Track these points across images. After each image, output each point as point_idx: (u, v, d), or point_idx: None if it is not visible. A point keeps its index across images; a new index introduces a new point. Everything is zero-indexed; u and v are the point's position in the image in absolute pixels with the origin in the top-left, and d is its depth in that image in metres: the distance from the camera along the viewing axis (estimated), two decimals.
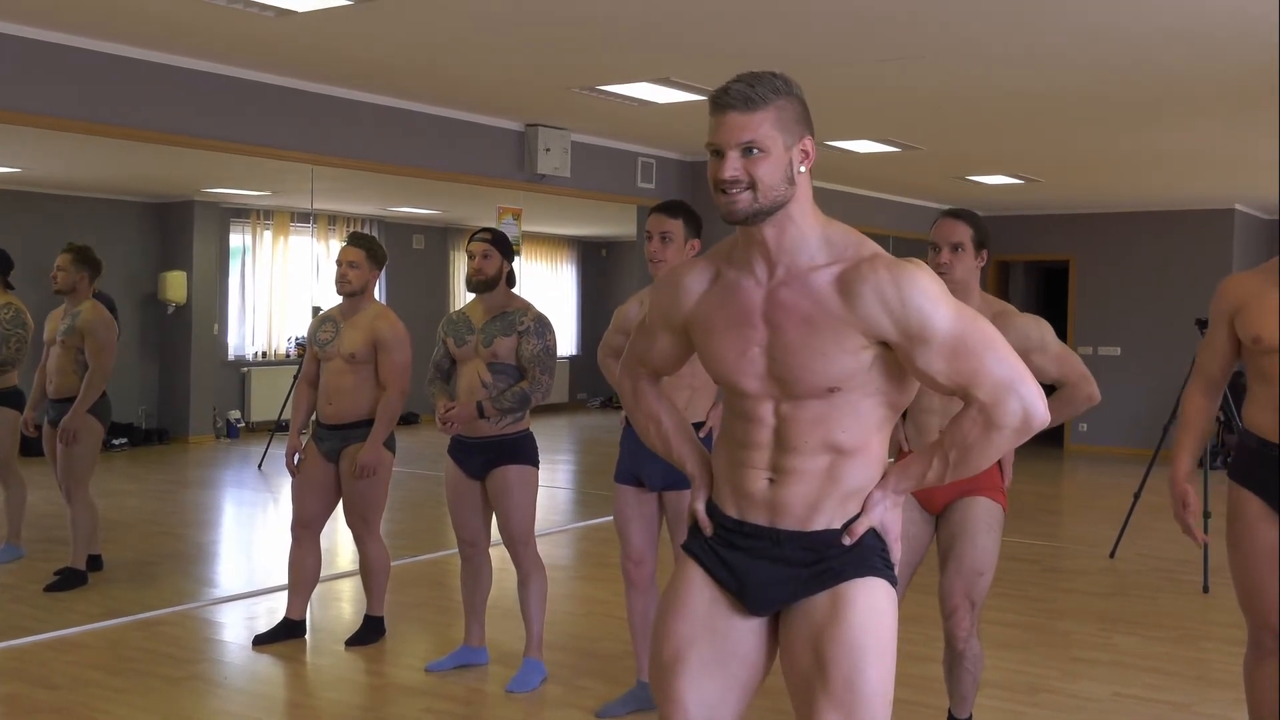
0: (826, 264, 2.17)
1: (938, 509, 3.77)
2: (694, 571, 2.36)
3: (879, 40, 5.19)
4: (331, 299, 5.19)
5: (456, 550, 7.00)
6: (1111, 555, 7.31)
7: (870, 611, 2.23)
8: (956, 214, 3.68)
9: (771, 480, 2.27)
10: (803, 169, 2.16)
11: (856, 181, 10.41)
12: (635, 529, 4.19)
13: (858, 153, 8.48)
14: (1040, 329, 3.66)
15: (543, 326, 4.55)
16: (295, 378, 5.85)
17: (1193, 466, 3.45)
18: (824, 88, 6.20)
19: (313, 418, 5.18)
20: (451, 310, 4.75)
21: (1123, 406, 12.43)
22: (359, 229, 14.14)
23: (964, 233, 3.62)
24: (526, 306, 4.62)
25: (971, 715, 3.93)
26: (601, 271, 18.09)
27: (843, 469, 2.23)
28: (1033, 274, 14.88)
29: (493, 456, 4.60)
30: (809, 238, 2.19)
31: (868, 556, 2.26)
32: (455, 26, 5.12)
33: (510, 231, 8.29)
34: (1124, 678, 4.89)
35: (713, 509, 2.39)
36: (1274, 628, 3.31)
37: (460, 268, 15.64)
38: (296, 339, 12.71)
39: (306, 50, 5.59)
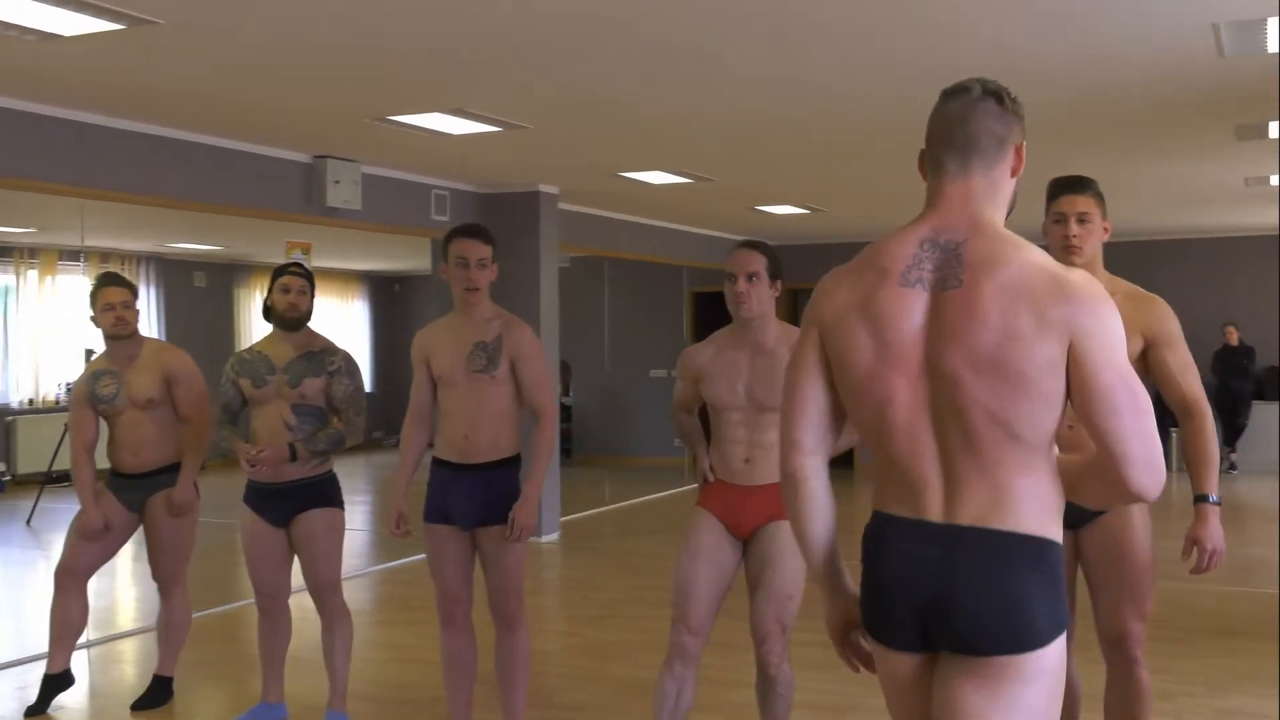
0: None
1: (745, 535, 3.79)
2: None
3: (672, 73, 5.24)
4: (104, 342, 4.83)
5: (246, 601, 6.71)
6: None
7: None
8: (752, 245, 3.72)
9: None
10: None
11: (650, 212, 10.52)
12: (451, 569, 4.06)
13: (652, 184, 8.57)
14: None
15: (352, 367, 4.43)
16: (66, 426, 5.46)
17: None
18: (617, 120, 6.24)
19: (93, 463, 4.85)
20: (238, 349, 4.55)
21: None
22: (134, 267, 13.46)
23: (759, 262, 3.67)
24: (332, 345, 4.46)
25: None
26: (395, 306, 17.75)
27: None
28: None
29: (297, 502, 4.41)
30: None
31: None
32: (235, 54, 4.90)
33: None
34: None
35: None
36: None
37: (246, 306, 15.07)
38: (67, 384, 11.95)
39: (74, 77, 5.25)
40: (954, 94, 2.13)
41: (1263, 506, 10.31)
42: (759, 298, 3.67)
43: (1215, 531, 3.17)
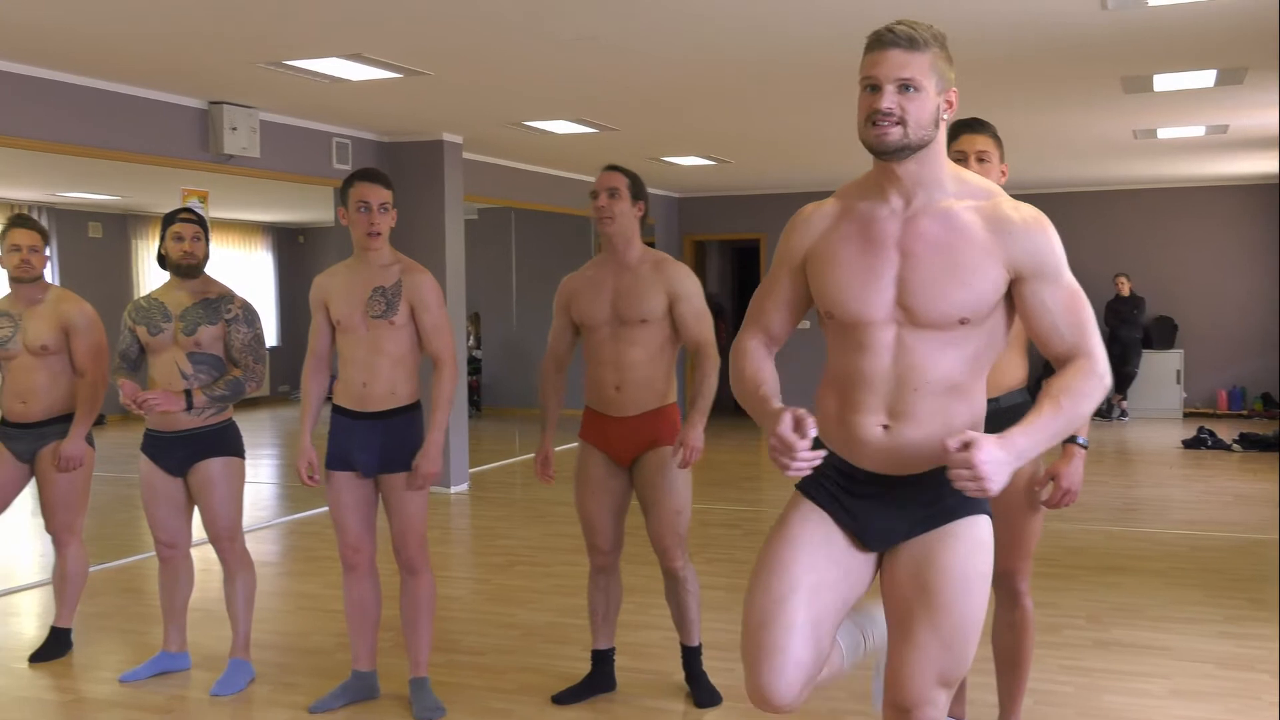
0: (962, 200, 2.33)
1: (627, 462, 4.08)
2: (809, 508, 2.47)
3: (574, 19, 5.23)
4: None
5: (147, 554, 6.65)
6: None
7: (975, 545, 2.37)
8: (613, 166, 4.03)
9: (886, 428, 2.36)
10: (945, 116, 2.30)
11: (554, 162, 10.50)
12: (351, 515, 4.08)
13: (556, 133, 8.55)
14: (694, 282, 4.03)
15: (251, 314, 4.40)
16: None
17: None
18: (520, 68, 6.21)
19: None
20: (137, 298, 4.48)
21: (809, 377, 13.15)
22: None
23: (620, 180, 3.98)
24: (229, 293, 4.42)
25: (701, 644, 4.24)
26: (300, 258, 17.48)
27: (955, 410, 2.35)
28: (727, 253, 15.48)
29: (194, 450, 4.37)
30: (944, 177, 2.34)
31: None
32: None
33: None
34: None
35: (823, 447, 2.49)
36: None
37: (144, 256, 14.73)
38: None
39: None
40: None
41: (1149, 451, 10.71)
42: (620, 213, 3.98)
43: (1075, 472, 3.27)
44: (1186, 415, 13.08)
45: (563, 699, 4.23)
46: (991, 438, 2.16)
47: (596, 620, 4.24)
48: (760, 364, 2.56)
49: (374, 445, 3.99)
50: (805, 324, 12.33)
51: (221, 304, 4.37)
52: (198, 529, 4.61)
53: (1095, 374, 2.28)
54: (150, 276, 14.71)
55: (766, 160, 10.56)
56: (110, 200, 12.96)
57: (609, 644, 4.28)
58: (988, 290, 2.28)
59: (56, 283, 4.97)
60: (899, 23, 2.27)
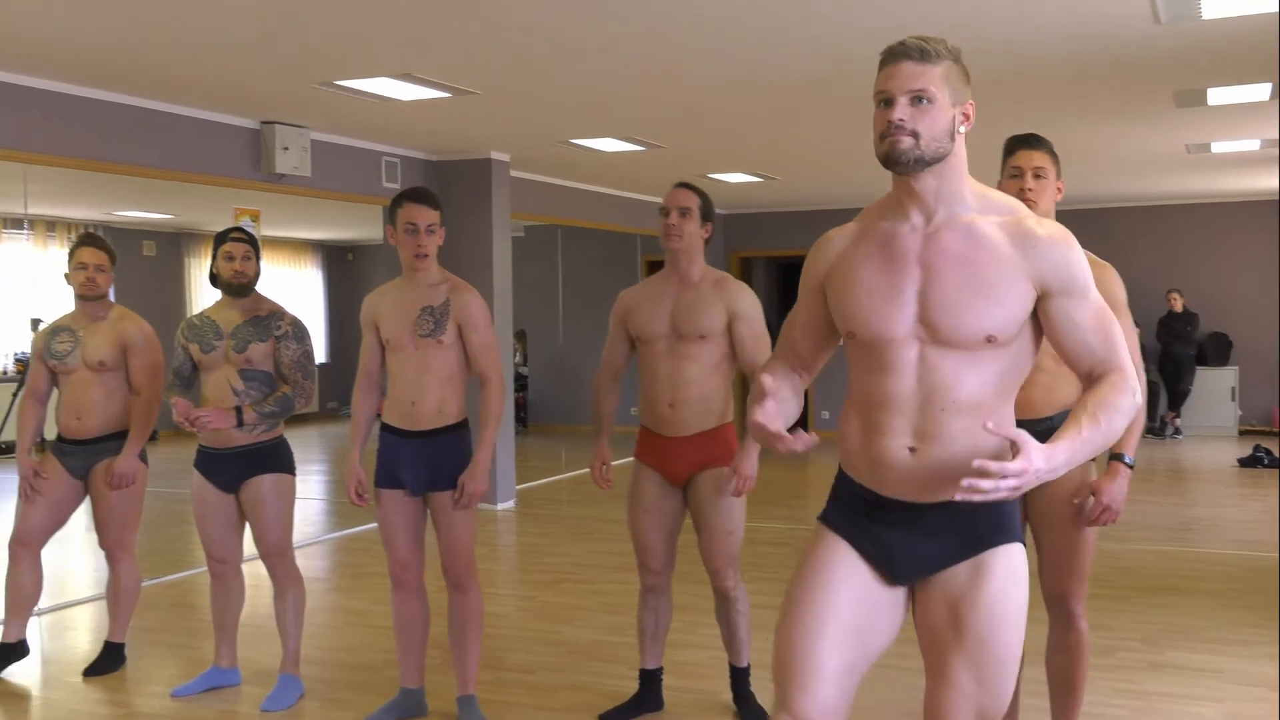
0: (985, 215, 2.27)
1: (682, 482, 4.07)
2: (835, 542, 2.39)
3: (619, 39, 5.25)
4: (53, 310, 4.89)
5: (199, 570, 6.72)
6: None
7: (1010, 577, 2.29)
8: (686, 185, 4.03)
9: (913, 450, 2.29)
10: (962, 129, 2.26)
11: (602, 180, 10.53)
12: (400, 533, 4.10)
13: (603, 151, 8.57)
14: (754, 303, 4.02)
15: (300, 331, 4.44)
16: (14, 395, 5.47)
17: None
18: (567, 86, 6.24)
19: (41, 434, 4.87)
20: (190, 316, 4.55)
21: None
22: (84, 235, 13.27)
23: (692, 199, 3.99)
24: (280, 310, 4.47)
25: (750, 664, 4.22)
26: (348, 276, 17.65)
27: (983, 431, 2.26)
28: (773, 269, 15.45)
29: (246, 467, 4.42)
30: (965, 192, 2.29)
31: (1008, 521, 2.32)
32: (179, 18, 4.86)
33: None
34: None
35: (847, 479, 2.43)
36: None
37: (197, 275, 14.94)
38: (16, 354, 11.82)
39: (13, 40, 5.19)
40: None
41: (1204, 469, 10.54)
42: (689, 232, 3.99)
43: (1118, 490, 3.23)
44: (1242, 433, 12.87)
45: (610, 718, 4.22)
46: (1041, 447, 2.09)
47: (645, 639, 4.24)
48: (777, 384, 2.52)
49: (422, 463, 4.01)
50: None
51: (272, 321, 4.42)
52: (249, 544, 4.65)
53: (1129, 389, 2.22)
54: (202, 294, 14.91)
55: (813, 177, 10.53)
56: (164, 219, 13.16)
57: (657, 663, 4.28)
58: (1015, 306, 2.22)
59: (112, 298, 5.06)
60: (911, 37, 2.26)
